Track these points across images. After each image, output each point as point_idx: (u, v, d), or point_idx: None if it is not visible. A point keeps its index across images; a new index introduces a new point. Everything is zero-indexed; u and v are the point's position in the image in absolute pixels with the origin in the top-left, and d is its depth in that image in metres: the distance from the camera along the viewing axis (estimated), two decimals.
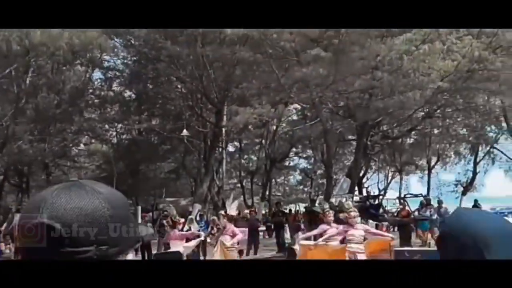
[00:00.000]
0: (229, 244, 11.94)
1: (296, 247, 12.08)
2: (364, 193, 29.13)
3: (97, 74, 33.97)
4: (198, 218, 21.23)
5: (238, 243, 12.36)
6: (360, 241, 11.09)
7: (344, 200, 19.57)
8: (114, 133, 37.90)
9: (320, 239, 11.80)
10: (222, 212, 20.39)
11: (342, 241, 11.42)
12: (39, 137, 28.53)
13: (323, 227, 12.31)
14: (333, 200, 23.95)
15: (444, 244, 1.39)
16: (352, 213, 11.80)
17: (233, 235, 12.20)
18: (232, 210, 12.31)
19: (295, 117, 35.72)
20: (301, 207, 30.59)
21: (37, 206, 1.16)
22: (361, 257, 10.69)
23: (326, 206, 14.91)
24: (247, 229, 20.31)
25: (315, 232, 12.33)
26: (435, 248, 1.43)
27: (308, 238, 12.94)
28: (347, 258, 10.71)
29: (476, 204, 25.91)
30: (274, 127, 33.69)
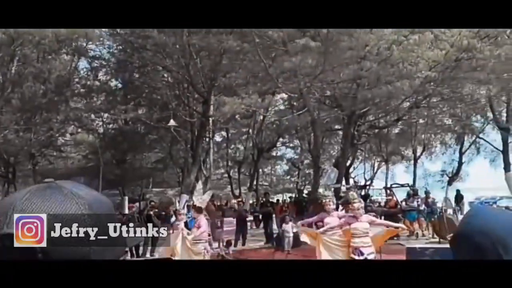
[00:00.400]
0: (190, 238, 11.70)
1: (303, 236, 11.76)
2: (351, 183, 29.26)
3: (83, 63, 33.69)
4: (185, 209, 21.14)
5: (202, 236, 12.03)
6: (364, 235, 10.78)
7: (346, 189, 19.53)
8: (101, 123, 37.65)
9: (320, 230, 11.58)
10: (191, 203, 20.44)
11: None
12: (25, 127, 28.29)
13: (322, 215, 12.09)
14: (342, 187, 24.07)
15: (458, 243, 1.33)
16: (356, 204, 11.24)
17: (198, 227, 12.00)
18: (203, 201, 12.01)
19: (282, 107, 35.66)
20: (287, 197, 30.57)
21: (5, 212, 1.04)
22: (367, 251, 10.37)
23: (329, 193, 14.69)
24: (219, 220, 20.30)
25: (314, 219, 12.05)
26: (447, 245, 1.38)
27: (309, 225, 12.66)
28: (351, 254, 10.52)
29: (458, 194, 26.09)
30: (261, 117, 33.63)
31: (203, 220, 11.78)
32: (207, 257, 10.68)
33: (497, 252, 1.21)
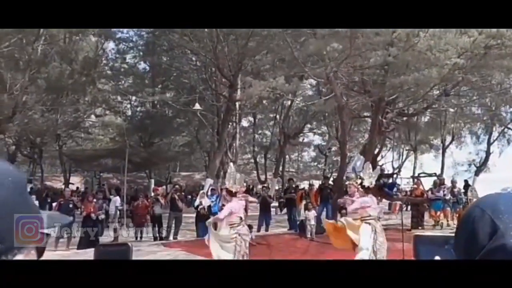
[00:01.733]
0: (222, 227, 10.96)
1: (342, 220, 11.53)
2: (378, 171, 29.00)
3: (110, 45, 33.92)
4: (209, 193, 21.18)
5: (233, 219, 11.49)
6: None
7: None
8: (128, 106, 37.99)
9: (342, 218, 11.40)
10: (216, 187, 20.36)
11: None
12: (51, 107, 28.53)
13: (343, 200, 11.92)
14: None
15: (459, 225, 1.25)
16: (352, 188, 11.32)
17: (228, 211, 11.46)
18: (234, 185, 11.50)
19: (310, 93, 35.43)
20: (308, 184, 30.42)
21: None
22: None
23: (352, 175, 14.45)
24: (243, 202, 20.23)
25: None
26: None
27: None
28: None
29: (467, 184, 25.52)
30: (289, 102, 33.48)
31: (235, 203, 11.29)
32: (242, 243, 10.28)
33: (488, 217, 1.14)
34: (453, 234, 1.27)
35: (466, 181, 26.67)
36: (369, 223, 10.49)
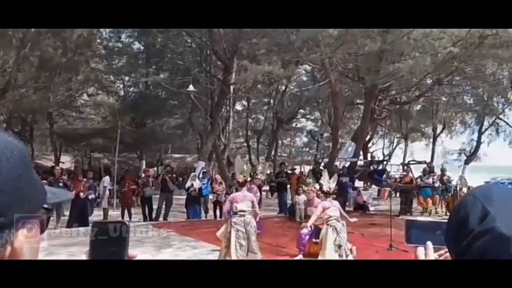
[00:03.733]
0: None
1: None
2: (369, 158, 29.16)
3: None
4: (201, 176, 21.23)
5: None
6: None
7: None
8: (121, 86, 37.76)
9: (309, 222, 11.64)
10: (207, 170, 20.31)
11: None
12: (43, 85, 28.32)
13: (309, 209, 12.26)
14: (337, 163, 24.06)
15: (451, 213, 1.29)
16: (311, 194, 12.19)
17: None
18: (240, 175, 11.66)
19: (304, 78, 35.39)
20: (303, 169, 30.43)
21: None
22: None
23: (310, 180, 14.72)
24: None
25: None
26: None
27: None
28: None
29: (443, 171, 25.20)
30: (283, 87, 33.44)
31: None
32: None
33: (479, 203, 1.17)
34: (445, 220, 1.31)
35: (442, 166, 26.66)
36: (330, 224, 10.76)
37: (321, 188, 11.71)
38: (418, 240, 1.59)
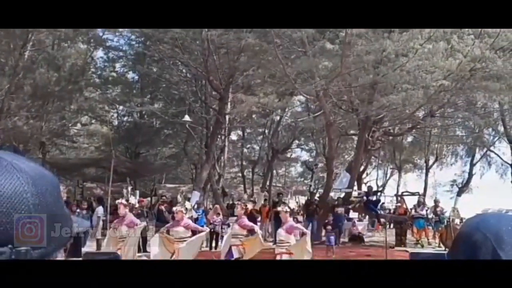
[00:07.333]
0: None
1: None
2: (365, 189, 29.15)
3: (99, 53, 33.68)
4: (196, 206, 21.16)
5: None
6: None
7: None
8: (115, 115, 37.75)
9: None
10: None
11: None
12: (35, 114, 28.25)
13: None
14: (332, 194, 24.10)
15: (456, 245, 1.28)
16: (239, 209, 13.58)
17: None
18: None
19: (299, 109, 35.53)
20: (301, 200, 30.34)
21: None
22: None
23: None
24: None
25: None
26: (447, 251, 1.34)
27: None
28: None
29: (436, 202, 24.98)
30: (278, 118, 33.53)
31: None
32: None
33: (490, 244, 1.16)
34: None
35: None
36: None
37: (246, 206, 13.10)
38: None
